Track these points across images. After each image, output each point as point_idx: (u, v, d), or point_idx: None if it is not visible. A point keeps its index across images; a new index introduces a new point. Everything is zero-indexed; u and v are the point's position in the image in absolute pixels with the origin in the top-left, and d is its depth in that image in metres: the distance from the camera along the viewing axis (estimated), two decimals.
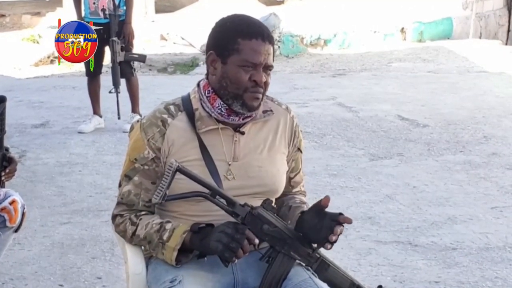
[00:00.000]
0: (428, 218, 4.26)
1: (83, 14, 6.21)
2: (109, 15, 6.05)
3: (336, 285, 2.07)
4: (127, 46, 6.19)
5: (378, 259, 3.69)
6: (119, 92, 6.23)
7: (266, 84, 2.03)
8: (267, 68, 2.02)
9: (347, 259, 3.63)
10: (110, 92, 6.24)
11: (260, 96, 2.03)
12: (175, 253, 1.98)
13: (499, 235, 4.01)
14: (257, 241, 1.93)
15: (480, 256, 3.72)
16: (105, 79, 6.63)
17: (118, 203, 2.13)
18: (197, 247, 1.98)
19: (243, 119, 2.07)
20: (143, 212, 2.10)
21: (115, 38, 6.06)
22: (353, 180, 5.00)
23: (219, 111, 2.04)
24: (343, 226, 1.97)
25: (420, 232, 4.05)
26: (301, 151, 2.26)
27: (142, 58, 6.39)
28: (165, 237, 2.00)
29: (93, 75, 6.36)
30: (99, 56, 6.29)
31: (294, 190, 2.28)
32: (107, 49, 6.27)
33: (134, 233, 2.07)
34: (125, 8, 6.19)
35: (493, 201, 4.57)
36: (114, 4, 6.05)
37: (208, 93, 2.06)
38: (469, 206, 4.48)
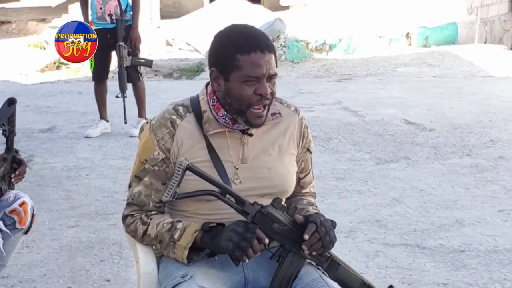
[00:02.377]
0: (436, 221, 4.25)
1: (90, 18, 6.24)
2: (116, 20, 6.08)
3: (347, 284, 2.08)
4: (134, 51, 6.21)
5: (386, 262, 3.69)
6: (126, 97, 6.25)
7: (272, 94, 2.03)
8: (271, 77, 2.01)
9: (355, 261, 3.62)
10: (116, 96, 6.26)
11: (263, 112, 2.02)
12: (186, 252, 1.99)
13: (507, 237, 4.00)
14: (267, 240, 1.94)
15: (488, 258, 3.72)
16: (112, 84, 6.65)
17: (129, 204, 2.14)
18: (208, 245, 1.99)
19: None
20: (153, 212, 2.11)
21: (121, 43, 6.08)
22: (360, 184, 4.99)
23: (223, 120, 2.06)
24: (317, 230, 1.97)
25: (427, 234, 4.05)
26: (310, 152, 2.26)
27: (148, 63, 6.40)
28: (176, 236, 2.01)
29: (99, 80, 6.38)
30: (106, 61, 6.33)
31: (303, 191, 2.28)
32: (113, 54, 6.29)
33: (145, 232, 2.08)
34: (131, 13, 6.21)
35: (501, 204, 4.57)
36: (120, 9, 6.08)
37: (213, 102, 2.08)
38: (476, 209, 4.47)
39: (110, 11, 6.13)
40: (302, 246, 1.96)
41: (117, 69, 6.29)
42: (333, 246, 2.02)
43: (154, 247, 2.11)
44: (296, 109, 2.22)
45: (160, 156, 2.07)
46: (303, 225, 1.99)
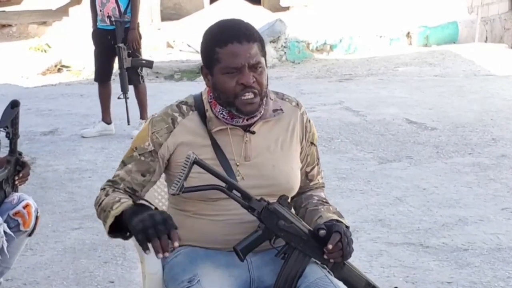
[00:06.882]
0: (439, 220, 4.25)
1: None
2: (115, 22, 6.09)
3: (352, 284, 2.08)
4: (134, 52, 6.21)
5: (389, 261, 3.69)
6: (128, 98, 6.25)
7: (259, 83, 2.02)
8: (254, 67, 2.00)
9: (358, 260, 3.62)
10: (119, 98, 6.27)
11: (254, 99, 2.02)
12: (112, 219, 1.96)
13: (510, 235, 4.00)
14: (176, 244, 1.82)
15: (491, 256, 3.72)
16: (115, 87, 6.64)
17: (107, 181, 2.13)
18: (127, 219, 1.92)
19: (247, 120, 2.08)
20: (121, 191, 2.09)
21: (121, 45, 6.09)
22: (362, 183, 5.00)
23: (221, 115, 2.07)
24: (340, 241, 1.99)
25: (431, 233, 4.05)
26: (315, 145, 2.26)
27: (149, 64, 6.40)
28: (114, 207, 1.97)
29: (102, 81, 6.39)
30: (108, 63, 6.34)
31: (311, 184, 2.27)
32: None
33: (101, 203, 2.05)
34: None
35: (503, 202, 4.57)
36: (119, 10, 6.09)
37: (210, 99, 2.10)
38: (479, 207, 4.47)
39: (108, 13, 6.14)
40: (323, 255, 1.99)
41: (118, 71, 6.30)
42: (350, 256, 2.03)
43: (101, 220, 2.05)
44: (297, 104, 2.22)
45: (149, 147, 2.09)
46: (310, 225, 2.01)
